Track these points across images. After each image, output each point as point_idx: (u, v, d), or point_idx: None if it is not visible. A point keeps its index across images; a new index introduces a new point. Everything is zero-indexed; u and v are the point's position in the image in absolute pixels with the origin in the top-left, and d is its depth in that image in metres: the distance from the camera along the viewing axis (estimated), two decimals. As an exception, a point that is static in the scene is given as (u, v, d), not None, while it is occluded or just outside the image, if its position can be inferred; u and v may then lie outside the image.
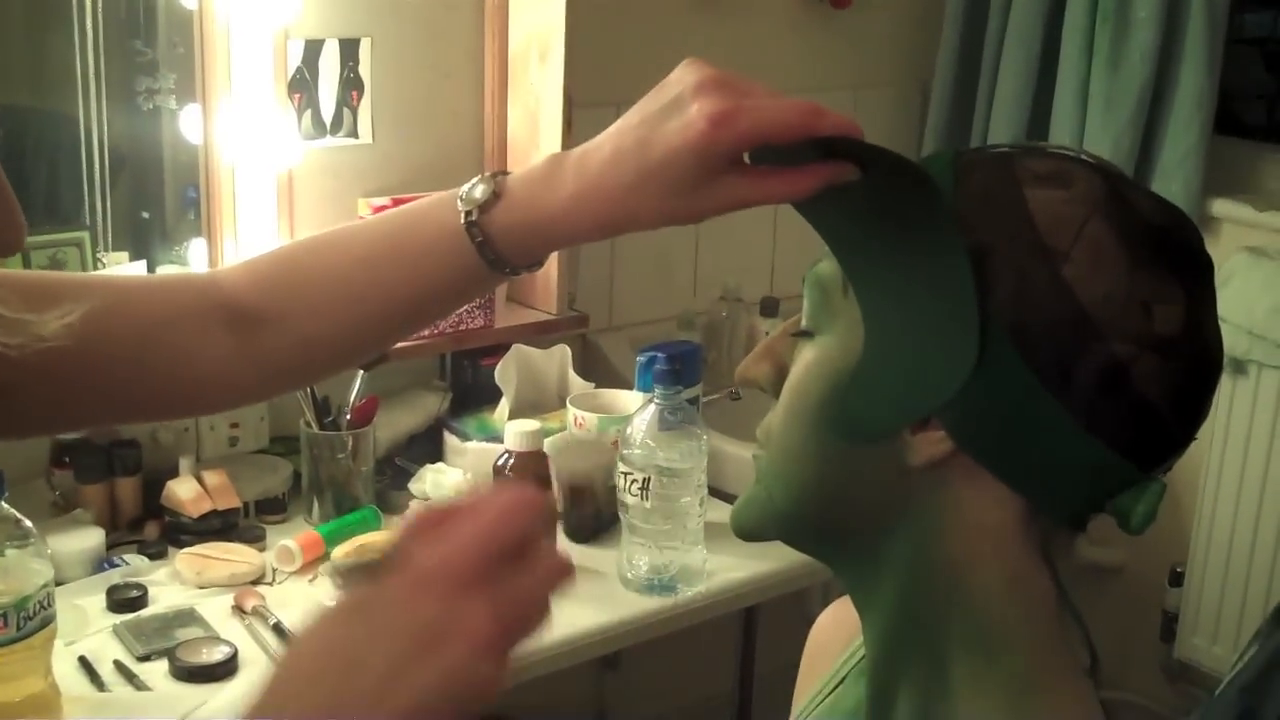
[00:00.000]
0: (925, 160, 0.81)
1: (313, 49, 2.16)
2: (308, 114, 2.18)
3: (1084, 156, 0.79)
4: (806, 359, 0.82)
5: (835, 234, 0.83)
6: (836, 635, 1.00)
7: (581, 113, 2.31)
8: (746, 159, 0.83)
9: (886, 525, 0.80)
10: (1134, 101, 2.57)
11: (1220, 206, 2.66)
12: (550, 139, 2.27)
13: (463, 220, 0.90)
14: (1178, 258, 0.76)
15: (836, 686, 0.96)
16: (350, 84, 2.21)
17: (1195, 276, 0.77)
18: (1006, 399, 0.75)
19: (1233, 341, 2.55)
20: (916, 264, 0.78)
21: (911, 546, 0.80)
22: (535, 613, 0.66)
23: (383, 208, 2.23)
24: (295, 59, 2.14)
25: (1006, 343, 0.74)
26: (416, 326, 1.02)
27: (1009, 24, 2.74)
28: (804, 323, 0.83)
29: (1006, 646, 0.79)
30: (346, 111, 2.22)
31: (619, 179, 0.85)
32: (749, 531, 0.88)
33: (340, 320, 0.96)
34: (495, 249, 0.90)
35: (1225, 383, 2.63)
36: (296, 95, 2.15)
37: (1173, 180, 2.57)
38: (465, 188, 0.92)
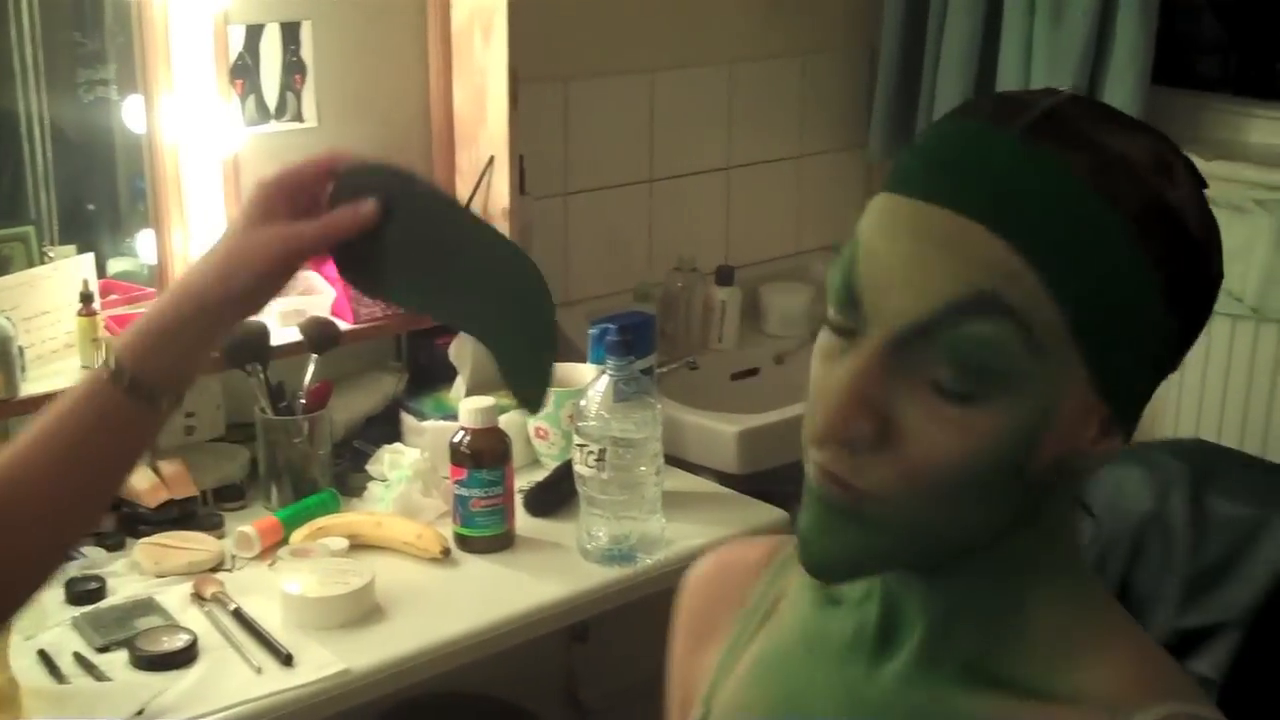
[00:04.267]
0: (977, 142, 0.78)
1: (253, 34, 2.16)
2: (251, 99, 2.17)
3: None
4: (981, 429, 0.77)
5: (405, 293, 0.92)
6: (728, 579, 1.01)
7: (527, 88, 2.32)
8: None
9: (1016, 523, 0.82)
10: (1076, 57, 2.58)
11: (1168, 158, 2.67)
12: (497, 116, 2.26)
13: (106, 369, 0.99)
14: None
15: (762, 621, 0.97)
16: (293, 68, 2.21)
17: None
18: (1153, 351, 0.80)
19: (1184, 292, 2.57)
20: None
21: (1038, 534, 0.83)
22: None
23: (331, 191, 2.24)
24: (236, 45, 2.13)
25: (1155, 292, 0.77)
26: (105, 489, 1.06)
27: (952, -16, 2.75)
28: (951, 387, 0.76)
29: (1070, 565, 0.86)
30: (290, 96, 2.21)
31: (206, 256, 0.99)
32: (842, 575, 0.86)
33: (40, 507, 1.01)
34: (136, 376, 0.98)
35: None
36: (239, 81, 2.14)
37: (1115, 133, 2.59)
38: None
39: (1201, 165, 2.84)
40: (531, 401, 0.89)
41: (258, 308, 0.99)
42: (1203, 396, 2.68)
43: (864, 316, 0.77)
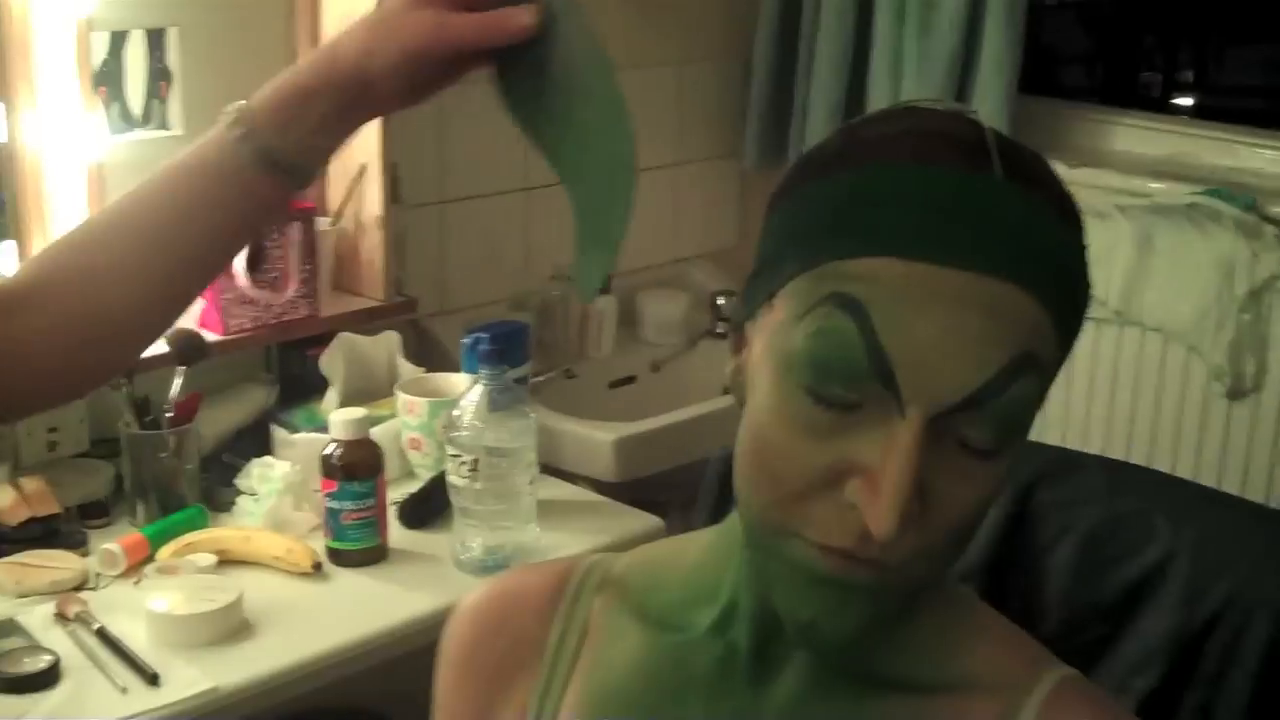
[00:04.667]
0: (976, 196, 0.76)
1: (117, 40, 2.12)
2: (115, 107, 2.13)
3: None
4: (997, 477, 0.77)
5: (530, 117, 0.87)
6: (512, 614, 0.95)
7: (398, 96, 2.30)
8: None
9: None
10: (944, 67, 2.62)
11: (1034, 166, 2.73)
12: (367, 124, 2.24)
13: (231, 131, 0.91)
14: None
15: (572, 661, 0.93)
16: (158, 75, 2.17)
17: None
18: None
19: (1050, 297, 2.63)
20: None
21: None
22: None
23: (198, 200, 2.20)
24: (100, 52, 2.09)
25: None
26: (214, 264, 0.97)
27: (823, -5, 2.78)
28: (983, 446, 0.75)
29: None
30: (156, 103, 2.17)
31: (366, 19, 0.90)
32: (854, 648, 0.81)
33: (143, 272, 0.93)
34: (265, 141, 0.90)
35: (1046, 338, 2.71)
36: (102, 89, 2.10)
37: (982, 142, 2.64)
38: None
39: (1066, 172, 2.92)
40: (584, 288, 0.82)
41: (407, 93, 0.90)
42: (1068, 400, 2.74)
43: (899, 393, 0.73)
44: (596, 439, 2.30)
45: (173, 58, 2.18)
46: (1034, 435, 0.83)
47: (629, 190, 0.76)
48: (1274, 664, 0.99)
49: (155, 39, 2.15)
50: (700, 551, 0.92)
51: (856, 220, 0.75)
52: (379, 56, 0.88)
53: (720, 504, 1.22)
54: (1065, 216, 0.78)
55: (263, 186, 0.92)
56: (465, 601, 0.99)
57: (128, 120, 2.15)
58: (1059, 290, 0.76)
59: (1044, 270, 0.75)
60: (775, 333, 0.78)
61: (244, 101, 0.92)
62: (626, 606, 0.92)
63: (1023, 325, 0.74)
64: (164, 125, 2.19)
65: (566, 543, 2.01)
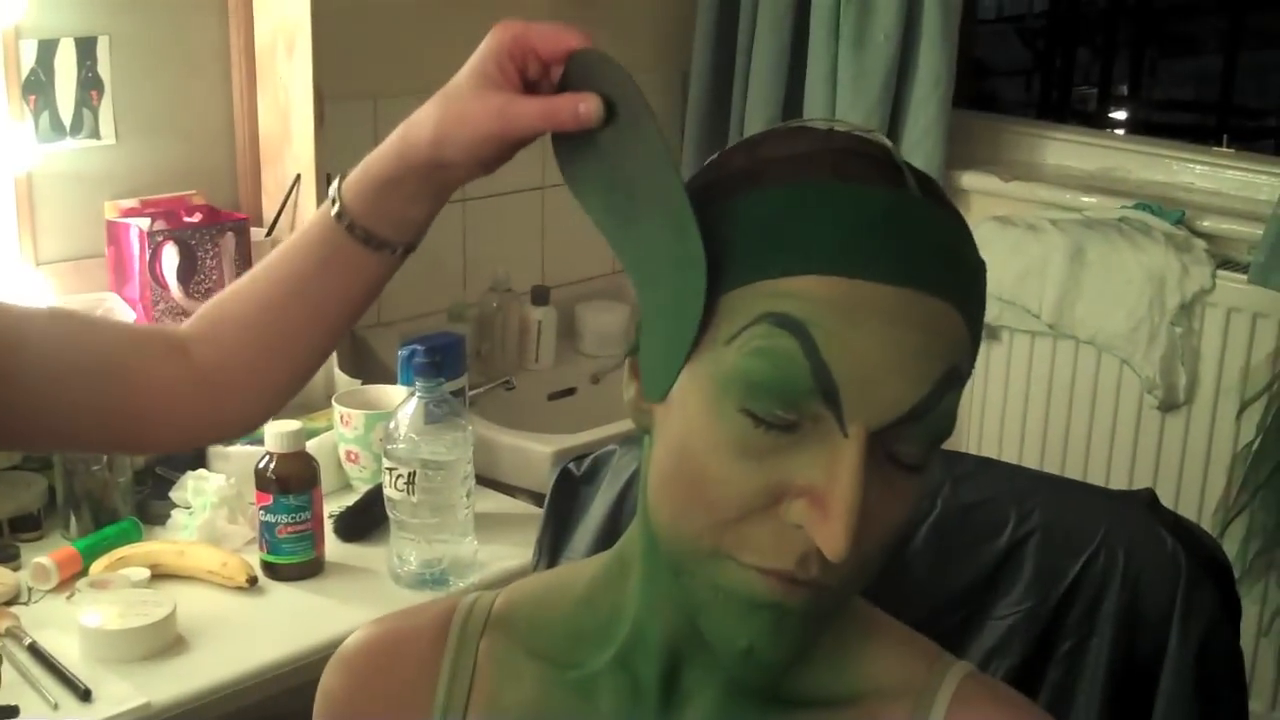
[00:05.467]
0: (902, 214, 0.76)
1: (46, 49, 2.09)
2: (45, 115, 2.11)
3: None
4: (920, 491, 0.77)
5: (594, 202, 0.85)
6: (396, 658, 0.93)
7: (334, 106, 2.29)
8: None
9: None
10: (879, 81, 2.65)
11: (968, 179, 2.76)
12: (302, 133, 2.23)
13: (332, 208, 0.95)
14: None
15: (465, 705, 0.91)
16: (89, 84, 2.15)
17: None
18: None
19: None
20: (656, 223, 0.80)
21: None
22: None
23: (132, 210, 2.18)
24: (28, 60, 2.07)
25: None
26: (329, 328, 1.02)
27: (759, 8, 2.79)
28: (911, 461, 0.75)
29: None
30: (87, 112, 2.15)
31: (435, 103, 0.92)
32: (783, 672, 0.80)
33: (264, 334, 1.00)
34: (358, 221, 0.94)
35: (981, 347, 2.73)
36: (31, 97, 2.08)
37: (915, 155, 2.66)
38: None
39: (1000, 186, 2.93)
40: (652, 387, 0.80)
41: (481, 170, 0.93)
42: (1004, 411, 2.76)
43: (841, 411, 0.72)
44: (535, 451, 2.29)
45: (104, 66, 2.15)
46: (969, 446, 0.84)
47: (698, 308, 0.75)
48: (1128, 634, 1.03)
49: (85, 47, 2.13)
50: (588, 584, 0.90)
51: (788, 239, 0.74)
52: (449, 146, 0.91)
53: (560, 526, 1.25)
54: (967, 233, 0.79)
55: (366, 261, 0.96)
56: (343, 650, 0.96)
57: (57, 129, 2.12)
58: (976, 305, 0.78)
59: (966, 286, 0.76)
60: (700, 356, 0.76)
61: (339, 179, 0.96)
62: (516, 646, 0.90)
63: (951, 340, 0.75)
64: (95, 134, 2.16)
65: (504, 555, 2.00)
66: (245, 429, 1.08)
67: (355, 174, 0.95)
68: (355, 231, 0.94)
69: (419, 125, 0.92)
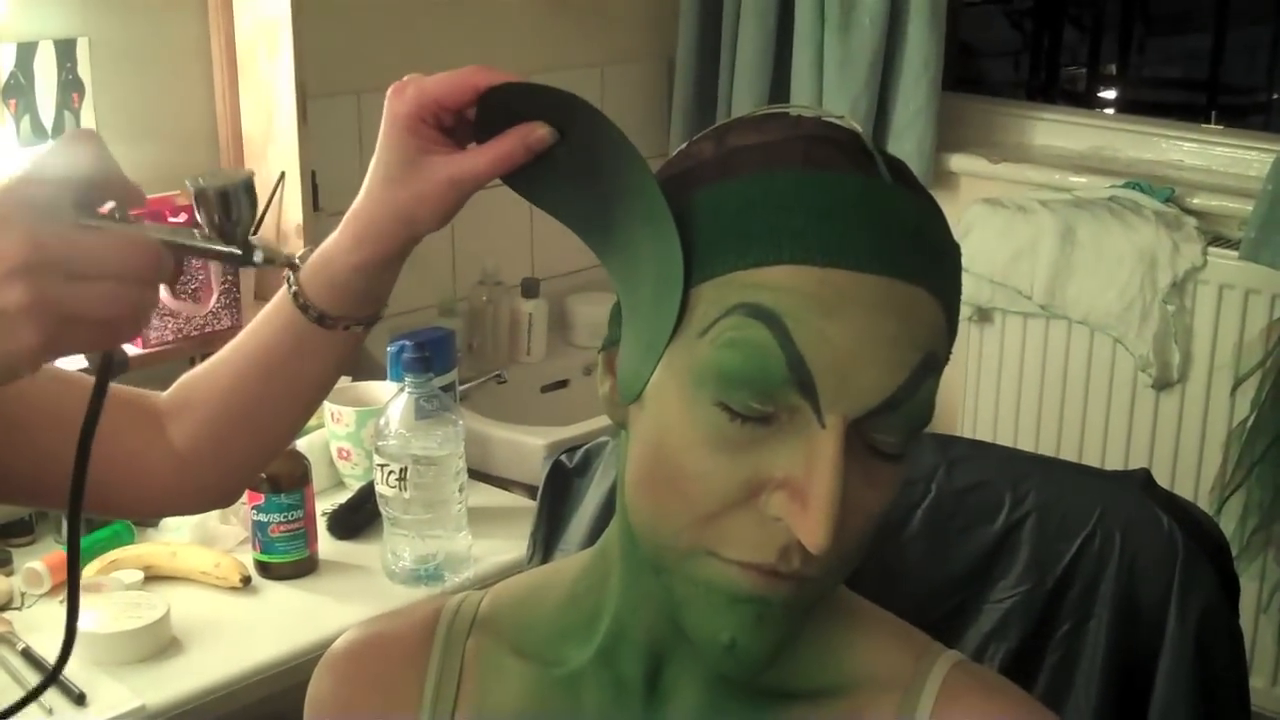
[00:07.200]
0: (876, 201, 0.75)
1: (26, 52, 2.08)
2: (26, 119, 2.09)
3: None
4: (899, 479, 0.77)
5: (568, 214, 0.83)
6: (384, 662, 0.92)
7: (317, 103, 2.28)
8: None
9: None
10: (866, 65, 2.64)
11: (957, 161, 2.75)
12: (286, 131, 2.22)
13: (288, 287, 0.96)
14: None
15: (452, 707, 0.90)
16: (70, 86, 2.13)
17: None
18: None
19: (976, 290, 2.65)
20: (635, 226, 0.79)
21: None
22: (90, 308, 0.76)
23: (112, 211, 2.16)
24: (8, 63, 2.06)
25: None
26: (303, 406, 1.04)
27: (744, -6, 2.79)
28: (891, 450, 0.74)
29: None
30: (68, 115, 2.14)
31: (380, 193, 0.92)
32: (767, 666, 0.78)
33: (234, 417, 1.02)
34: (328, 312, 0.95)
35: (973, 330, 2.73)
36: (12, 101, 2.07)
37: (906, 139, 2.65)
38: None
39: (989, 167, 2.92)
40: (627, 389, 0.79)
41: (444, 222, 0.94)
42: (998, 394, 2.75)
43: (817, 401, 0.71)
44: (528, 444, 2.28)
45: (84, 68, 2.14)
46: (963, 429, 0.83)
47: (675, 303, 0.74)
48: (1127, 615, 1.02)
49: (65, 50, 2.12)
50: (571, 582, 0.89)
51: (760, 228, 0.73)
52: (420, 224, 0.91)
53: (553, 518, 1.25)
54: (941, 217, 0.78)
55: (334, 341, 0.97)
56: (329, 655, 0.95)
57: (39, 133, 2.11)
58: (952, 290, 0.77)
59: (942, 271, 0.76)
60: (674, 349, 0.75)
61: (296, 259, 0.95)
62: (503, 645, 0.90)
63: (928, 326, 0.74)
64: (78, 136, 2.15)
65: (499, 549, 1.99)
66: (214, 505, 1.11)
67: (315, 267, 0.95)
68: (325, 322, 0.95)
69: (380, 219, 0.92)
